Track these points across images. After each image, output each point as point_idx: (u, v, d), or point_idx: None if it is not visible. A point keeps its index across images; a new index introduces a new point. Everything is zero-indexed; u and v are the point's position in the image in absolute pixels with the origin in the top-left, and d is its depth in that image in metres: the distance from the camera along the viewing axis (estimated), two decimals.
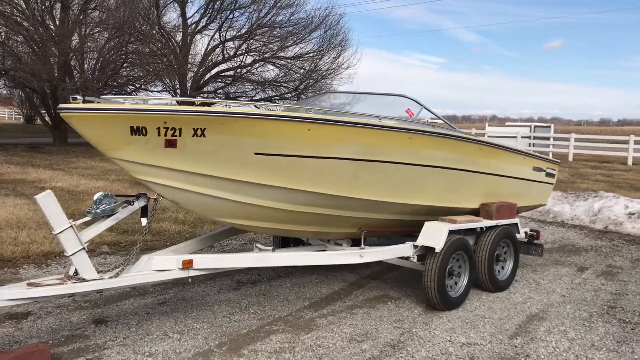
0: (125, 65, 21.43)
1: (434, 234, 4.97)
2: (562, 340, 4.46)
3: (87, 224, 4.08)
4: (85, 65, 22.67)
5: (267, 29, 25.07)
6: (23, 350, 3.59)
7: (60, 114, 3.49)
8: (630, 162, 22.70)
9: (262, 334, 4.39)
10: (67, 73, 21.21)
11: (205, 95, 26.97)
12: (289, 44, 25.36)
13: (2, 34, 19.84)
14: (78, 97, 3.49)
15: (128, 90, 23.59)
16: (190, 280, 4.25)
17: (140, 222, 4.10)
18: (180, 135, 3.70)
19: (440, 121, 5.86)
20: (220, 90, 26.66)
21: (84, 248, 3.74)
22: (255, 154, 3.99)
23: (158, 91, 25.19)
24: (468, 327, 4.68)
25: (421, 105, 5.31)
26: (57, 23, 22.07)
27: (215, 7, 25.34)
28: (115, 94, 24.29)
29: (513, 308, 5.21)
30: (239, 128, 3.84)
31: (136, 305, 4.95)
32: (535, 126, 30.60)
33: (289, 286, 5.65)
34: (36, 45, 20.46)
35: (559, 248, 7.92)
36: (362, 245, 5.05)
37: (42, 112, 25.66)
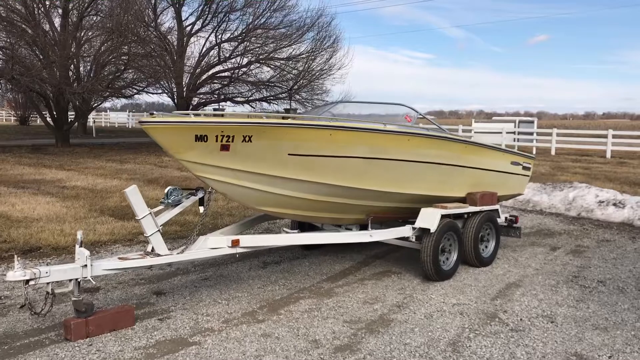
0: (123, 68, 22.24)
1: (429, 218, 6.05)
2: (533, 300, 5.56)
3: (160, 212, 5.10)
4: (82, 68, 23.48)
5: (261, 30, 26.04)
6: (115, 309, 4.62)
7: (141, 126, 4.50)
8: (608, 155, 23.97)
9: (292, 299, 5.45)
10: (69, 77, 22.04)
11: (202, 96, 27.89)
12: (283, 45, 26.35)
13: (10, 40, 20.62)
14: (155, 112, 4.51)
15: (129, 92, 24.43)
16: (237, 255, 5.28)
17: (199, 210, 5.14)
18: (232, 141, 4.72)
19: (433, 125, 6.94)
20: (218, 92, 27.51)
21: (159, 230, 4.77)
22: (289, 154, 5.02)
23: (157, 93, 26.05)
24: (458, 292, 5.77)
25: (416, 112, 6.39)
26: (58, 29, 22.91)
27: (211, 10, 26.27)
28: (118, 97, 25.18)
29: (495, 278, 6.31)
30: (277, 134, 4.88)
31: (184, 281, 5.98)
32: (519, 121, 31.73)
33: (307, 265, 6.71)
34: (40, 51, 21.29)
35: (536, 232, 9.05)
36: (370, 229, 6.12)
37: (44, 114, 26.32)
